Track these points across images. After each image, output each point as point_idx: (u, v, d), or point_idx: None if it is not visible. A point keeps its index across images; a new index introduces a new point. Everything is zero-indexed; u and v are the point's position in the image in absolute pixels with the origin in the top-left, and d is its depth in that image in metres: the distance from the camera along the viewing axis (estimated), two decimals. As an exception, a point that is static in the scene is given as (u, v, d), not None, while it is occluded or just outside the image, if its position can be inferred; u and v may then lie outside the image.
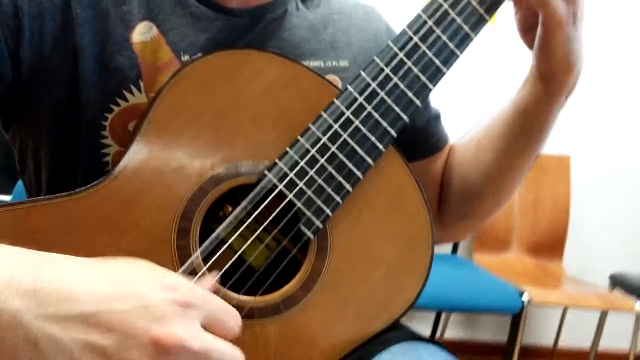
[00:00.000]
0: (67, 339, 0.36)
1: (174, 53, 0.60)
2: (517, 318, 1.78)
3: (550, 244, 2.19)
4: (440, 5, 0.58)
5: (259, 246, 0.55)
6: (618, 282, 2.08)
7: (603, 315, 2.05)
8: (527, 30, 0.62)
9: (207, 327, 0.40)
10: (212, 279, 0.47)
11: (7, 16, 0.53)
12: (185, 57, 0.60)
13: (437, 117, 0.77)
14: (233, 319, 0.43)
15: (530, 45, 0.62)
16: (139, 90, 0.58)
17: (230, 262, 0.53)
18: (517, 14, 0.63)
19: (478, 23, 0.59)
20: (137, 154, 0.51)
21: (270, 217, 0.53)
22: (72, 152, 0.59)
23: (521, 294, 1.74)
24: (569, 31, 0.58)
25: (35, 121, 0.59)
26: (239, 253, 0.53)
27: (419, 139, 0.73)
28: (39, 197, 0.50)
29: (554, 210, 2.21)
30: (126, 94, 0.58)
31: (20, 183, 0.83)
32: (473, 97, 2.09)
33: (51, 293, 0.37)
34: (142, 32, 0.59)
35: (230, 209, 0.56)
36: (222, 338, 0.41)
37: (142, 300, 0.38)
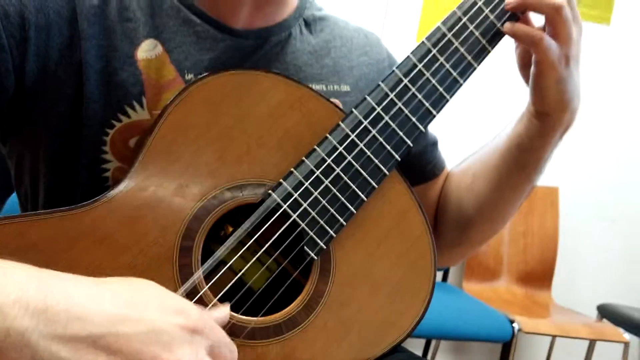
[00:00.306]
0: None
1: (178, 71, 0.60)
2: (507, 346, 1.77)
3: (539, 274, 2.20)
4: (444, 35, 0.60)
5: (260, 268, 0.55)
6: (605, 313, 2.09)
7: (592, 345, 2.05)
8: (525, 66, 0.64)
9: (210, 356, 0.40)
10: (227, 309, 0.46)
11: (14, 27, 0.53)
12: (189, 76, 0.60)
13: (434, 143, 0.77)
14: (233, 353, 0.42)
15: (527, 80, 0.63)
16: (142, 106, 0.58)
17: (231, 283, 0.52)
18: (517, 49, 0.65)
19: (481, 53, 0.61)
20: (141, 171, 0.50)
21: (273, 238, 0.53)
22: (72, 167, 0.58)
23: (511, 322, 1.73)
24: (561, 72, 0.59)
25: (36, 135, 0.58)
26: (239, 275, 0.52)
27: (416, 164, 0.74)
28: (38, 211, 0.49)
29: (542, 241, 2.23)
30: (128, 109, 0.58)
31: (10, 201, 0.82)
32: (471, 124, 2.11)
33: (60, 312, 0.36)
34: (147, 50, 0.59)
35: (230, 229, 0.56)
36: None
37: (150, 323, 0.37)
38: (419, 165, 0.75)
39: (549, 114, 0.62)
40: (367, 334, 0.55)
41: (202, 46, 0.61)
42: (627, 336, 1.84)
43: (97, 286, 0.39)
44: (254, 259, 0.53)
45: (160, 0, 0.60)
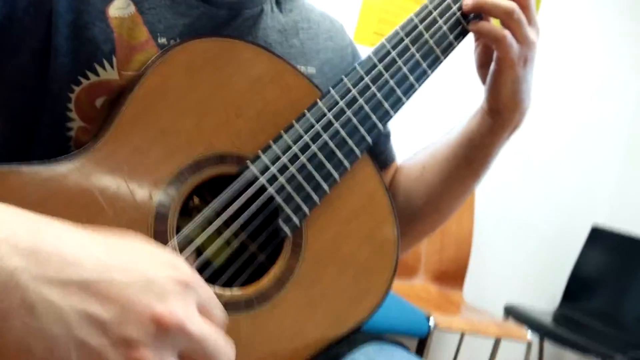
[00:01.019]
0: (66, 306, 0.33)
1: (150, 34, 0.57)
2: (422, 342, 1.84)
3: (452, 273, 2.30)
4: (416, 26, 0.62)
5: (223, 244, 0.54)
6: (511, 312, 2.22)
7: (497, 343, 2.17)
8: (482, 66, 0.67)
9: (200, 312, 0.39)
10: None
11: None
12: (162, 40, 0.58)
13: (387, 135, 0.79)
14: (221, 311, 0.41)
15: (483, 80, 0.67)
16: (111, 65, 0.55)
17: (197, 262, 0.51)
18: (476, 49, 0.68)
19: (447, 47, 0.63)
20: (118, 132, 0.48)
21: (249, 211, 0.52)
22: (32, 124, 0.54)
23: (428, 318, 1.80)
24: (519, 72, 0.63)
25: None
26: (205, 253, 0.51)
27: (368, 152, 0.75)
28: (10, 162, 0.45)
29: (458, 241, 2.33)
30: (97, 67, 0.55)
31: None
32: (422, 122, 2.17)
33: (52, 255, 0.33)
34: (119, 7, 0.56)
35: (197, 200, 0.55)
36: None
37: (144, 274, 0.36)
38: (371, 154, 0.76)
39: (501, 112, 0.65)
40: (335, 311, 0.55)
41: (176, 11, 0.59)
42: (530, 336, 1.97)
43: (89, 235, 0.37)
44: (226, 233, 0.52)
45: None
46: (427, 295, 2.18)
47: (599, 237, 2.47)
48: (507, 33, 0.61)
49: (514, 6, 0.61)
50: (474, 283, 2.35)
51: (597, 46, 2.66)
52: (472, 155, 0.69)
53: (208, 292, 0.39)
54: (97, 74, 0.55)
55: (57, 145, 0.55)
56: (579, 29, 2.61)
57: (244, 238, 0.54)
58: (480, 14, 0.64)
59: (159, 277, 0.36)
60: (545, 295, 2.60)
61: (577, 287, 2.42)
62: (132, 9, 0.57)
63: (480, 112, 0.67)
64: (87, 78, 0.55)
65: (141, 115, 0.49)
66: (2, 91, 0.54)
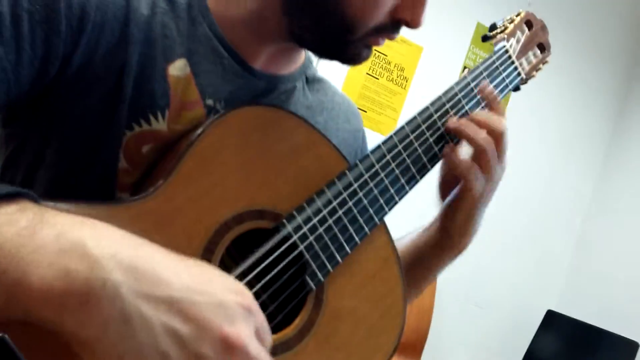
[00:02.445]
0: (156, 319, 0.38)
1: (200, 94, 0.63)
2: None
3: (412, 343, 2.34)
4: (419, 125, 0.69)
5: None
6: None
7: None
8: (444, 189, 0.73)
9: (256, 337, 0.43)
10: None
11: (74, 17, 0.54)
12: (209, 101, 0.64)
13: None
14: (269, 336, 0.46)
15: (442, 197, 0.73)
16: (163, 118, 0.61)
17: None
18: (442, 168, 0.73)
19: (411, 179, 0.68)
20: (176, 180, 0.53)
21: (280, 266, 0.57)
22: (89, 162, 0.59)
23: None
24: (478, 203, 0.68)
25: (54, 123, 0.59)
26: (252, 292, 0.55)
27: None
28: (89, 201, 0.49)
29: (419, 313, 2.38)
30: (151, 117, 0.60)
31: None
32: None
33: (147, 273, 0.39)
34: (178, 68, 0.62)
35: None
36: None
37: (217, 297, 0.41)
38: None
39: (451, 234, 0.71)
40: (347, 365, 0.60)
41: (224, 77, 0.65)
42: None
43: (175, 259, 0.42)
44: (264, 281, 0.56)
45: (195, 27, 0.64)
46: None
47: (553, 322, 2.56)
48: (475, 166, 0.66)
49: (490, 142, 0.66)
50: (432, 356, 2.39)
51: (555, 138, 2.85)
52: (420, 262, 0.74)
53: (263, 319, 0.45)
54: (149, 124, 0.60)
55: (106, 181, 0.59)
56: (539, 122, 2.80)
57: (270, 292, 0.59)
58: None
59: (229, 301, 0.41)
60: (498, 374, 2.65)
61: (530, 368, 2.48)
62: (188, 70, 0.63)
63: (433, 226, 0.74)
64: (140, 126, 0.60)
65: (197, 168, 0.54)
66: (67, 127, 0.59)
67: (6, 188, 0.40)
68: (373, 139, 0.71)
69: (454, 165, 0.68)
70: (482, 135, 0.67)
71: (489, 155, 0.67)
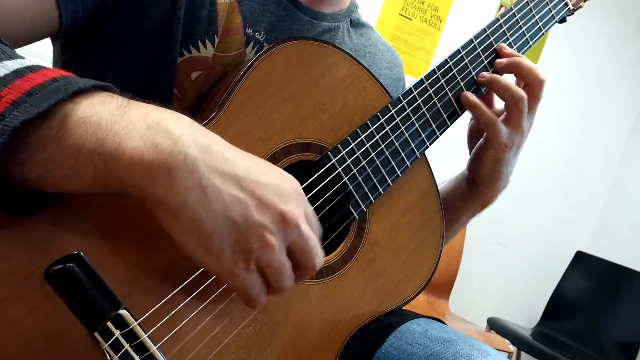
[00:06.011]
0: (225, 192, 0.42)
1: (242, 21, 0.65)
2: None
3: (441, 284, 2.39)
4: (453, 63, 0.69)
5: None
6: (494, 325, 2.32)
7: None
8: (473, 138, 0.73)
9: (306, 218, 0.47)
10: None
11: None
12: (249, 30, 0.66)
13: None
14: (318, 222, 0.49)
15: (470, 150, 0.73)
16: (213, 45, 0.63)
17: None
18: (470, 121, 0.74)
19: (443, 124, 0.68)
20: (227, 114, 0.55)
21: (326, 195, 0.60)
22: (149, 86, 0.62)
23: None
24: (502, 154, 0.67)
25: (113, 46, 0.61)
26: None
27: None
28: None
29: (448, 256, 2.43)
30: (200, 44, 0.63)
31: None
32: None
33: (217, 152, 0.43)
34: None
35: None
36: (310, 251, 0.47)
37: (275, 181, 0.46)
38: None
39: (477, 184, 0.72)
40: (386, 289, 0.63)
41: (266, 8, 0.67)
42: (511, 348, 2.06)
43: (236, 148, 0.47)
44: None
45: None
46: (415, 302, 2.26)
47: (582, 262, 2.58)
48: (497, 120, 0.66)
49: (523, 96, 0.65)
50: (460, 295, 2.45)
51: (590, 80, 2.78)
52: (451, 209, 0.75)
53: (310, 207, 0.49)
54: (198, 50, 0.62)
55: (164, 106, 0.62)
56: (575, 64, 2.73)
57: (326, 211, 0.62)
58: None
59: (285, 186, 0.46)
60: (526, 312, 2.70)
61: (557, 307, 2.53)
62: None
63: (460, 177, 0.75)
64: (190, 52, 0.62)
65: (247, 102, 0.57)
66: (127, 51, 0.61)
67: (97, 82, 0.43)
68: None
69: (479, 116, 0.68)
70: (514, 92, 0.65)
71: (520, 112, 0.66)
